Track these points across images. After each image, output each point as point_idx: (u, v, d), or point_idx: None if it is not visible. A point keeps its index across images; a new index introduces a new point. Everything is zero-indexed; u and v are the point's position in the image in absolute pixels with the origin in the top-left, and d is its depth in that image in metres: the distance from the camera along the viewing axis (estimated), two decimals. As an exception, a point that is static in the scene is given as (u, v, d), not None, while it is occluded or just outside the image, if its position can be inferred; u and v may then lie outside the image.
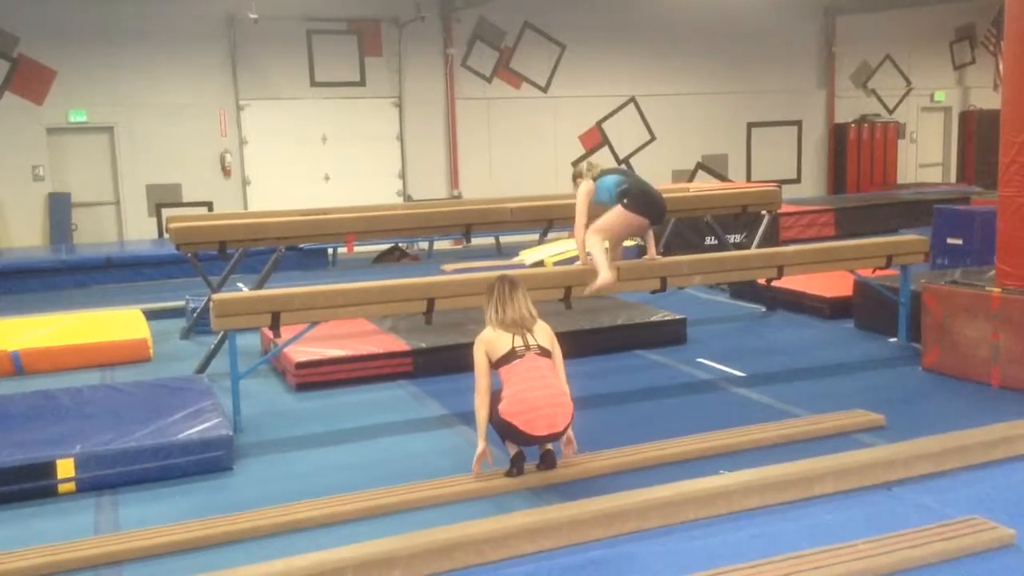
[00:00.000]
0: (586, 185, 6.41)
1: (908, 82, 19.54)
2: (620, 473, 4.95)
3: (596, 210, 6.47)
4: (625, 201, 6.33)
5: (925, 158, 20.17)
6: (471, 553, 3.97)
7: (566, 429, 4.80)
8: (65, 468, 4.90)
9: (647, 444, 5.30)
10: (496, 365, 4.79)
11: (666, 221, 9.92)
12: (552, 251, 10.98)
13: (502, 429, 4.77)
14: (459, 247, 14.62)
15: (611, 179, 6.39)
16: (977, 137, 19.20)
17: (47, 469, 4.89)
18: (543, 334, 4.90)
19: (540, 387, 4.73)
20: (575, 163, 6.81)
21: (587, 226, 6.41)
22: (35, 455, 4.93)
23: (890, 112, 19.43)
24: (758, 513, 4.41)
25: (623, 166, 6.67)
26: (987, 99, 19.64)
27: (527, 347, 4.78)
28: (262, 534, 4.34)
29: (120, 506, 4.79)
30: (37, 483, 4.87)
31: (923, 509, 4.37)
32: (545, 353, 4.84)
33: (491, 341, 4.81)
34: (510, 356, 4.75)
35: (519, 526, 4.10)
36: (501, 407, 4.70)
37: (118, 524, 4.56)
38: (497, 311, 4.86)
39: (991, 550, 3.93)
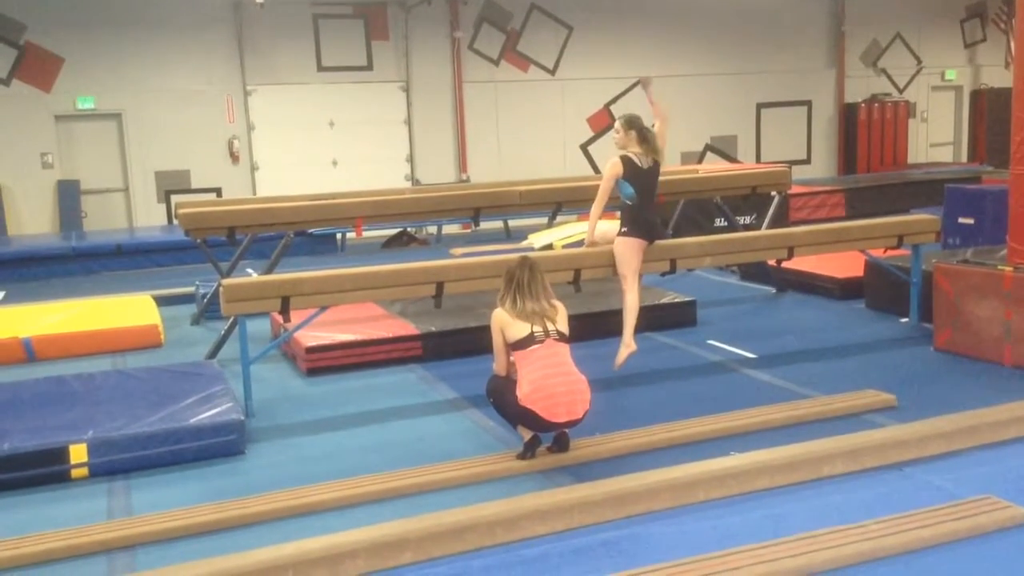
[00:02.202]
0: (614, 168, 6.24)
1: (918, 61, 19.38)
2: (631, 455, 4.95)
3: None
4: (624, 230, 6.32)
5: (936, 137, 20.03)
6: (482, 535, 3.98)
7: (584, 416, 4.80)
8: (78, 453, 4.93)
9: (658, 426, 5.30)
10: (512, 347, 4.79)
11: (675, 203, 9.92)
12: (561, 234, 10.96)
13: (520, 416, 4.77)
14: (468, 231, 14.61)
15: (628, 188, 6.25)
16: (988, 116, 19.06)
17: (60, 454, 4.92)
18: (563, 319, 4.88)
19: (560, 374, 4.72)
20: (625, 118, 6.52)
21: (603, 205, 6.38)
22: (48, 441, 4.95)
23: (900, 91, 19.30)
24: (769, 494, 4.41)
25: (653, 159, 6.46)
26: (998, 77, 19.48)
27: (546, 333, 4.77)
28: (274, 517, 4.36)
29: (133, 491, 4.82)
30: (50, 468, 4.90)
31: (935, 489, 4.36)
32: (563, 339, 4.82)
33: (508, 323, 4.80)
34: (528, 341, 4.74)
35: (530, 508, 4.10)
36: (520, 394, 4.70)
37: (131, 508, 4.59)
38: (516, 303, 4.82)
39: (1004, 529, 3.93)
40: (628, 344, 6.15)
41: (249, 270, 9.56)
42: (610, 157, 6.34)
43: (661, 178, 6.57)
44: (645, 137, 6.29)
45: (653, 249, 6.51)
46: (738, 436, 5.16)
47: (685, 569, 3.62)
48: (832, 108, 18.73)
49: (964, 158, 19.78)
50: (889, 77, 19.24)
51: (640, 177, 6.23)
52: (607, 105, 16.80)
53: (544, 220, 11.24)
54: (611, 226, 6.52)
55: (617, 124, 6.40)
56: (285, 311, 5.97)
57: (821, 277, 8.92)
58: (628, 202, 6.29)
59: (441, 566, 3.83)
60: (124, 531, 4.20)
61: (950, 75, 19.82)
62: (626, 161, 6.22)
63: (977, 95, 19.76)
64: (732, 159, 17.61)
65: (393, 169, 15.41)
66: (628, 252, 6.29)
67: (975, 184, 11.71)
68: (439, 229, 14.20)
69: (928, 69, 19.51)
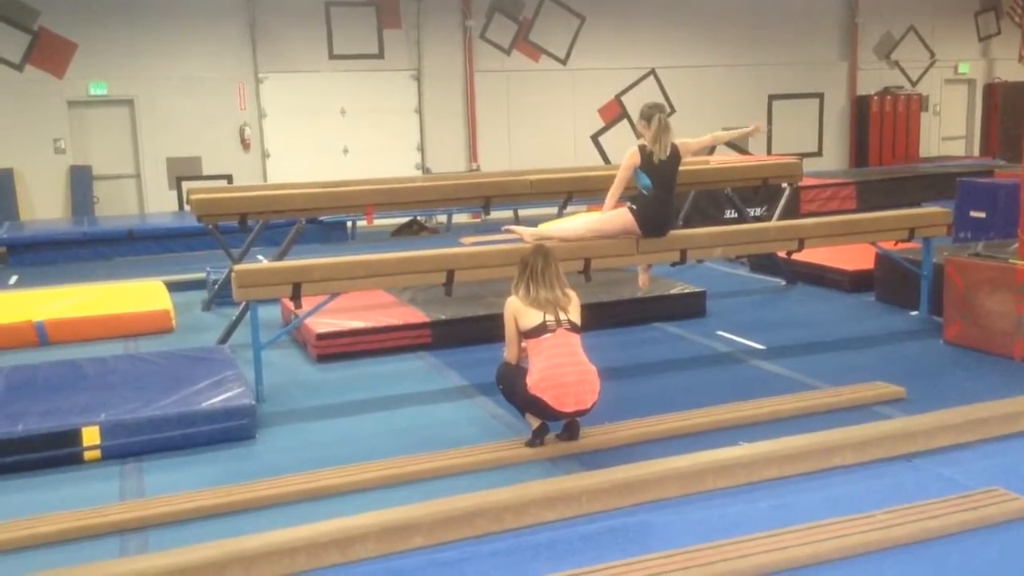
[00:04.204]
0: (631, 158, 6.19)
1: (932, 54, 19.29)
2: (640, 443, 4.97)
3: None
4: (633, 207, 6.33)
5: (948, 131, 19.95)
6: (491, 520, 4.00)
7: (593, 406, 4.82)
8: (91, 436, 4.97)
9: (666, 415, 5.31)
10: (524, 336, 4.80)
11: (685, 194, 9.92)
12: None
13: (529, 404, 4.79)
14: (477, 220, 14.62)
15: (644, 179, 6.22)
16: (1001, 110, 18.91)
17: (73, 437, 4.96)
18: (575, 309, 4.89)
19: (570, 363, 4.73)
20: (642, 108, 6.41)
21: (619, 195, 6.40)
22: (61, 423, 4.99)
23: (913, 84, 19.21)
24: (777, 484, 4.42)
25: (671, 146, 6.36)
26: (1012, 71, 19.35)
27: (558, 322, 4.78)
28: (285, 501, 4.39)
29: (145, 473, 4.85)
30: (63, 450, 4.94)
31: (943, 480, 4.37)
32: (575, 328, 4.83)
33: (521, 311, 4.81)
34: (540, 330, 4.75)
35: (539, 494, 4.13)
36: (530, 382, 4.71)
37: (143, 491, 4.63)
38: (529, 290, 4.82)
39: (1011, 521, 3.94)
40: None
41: (260, 256, 9.58)
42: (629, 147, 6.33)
43: None
44: (656, 125, 6.18)
45: (664, 240, 6.52)
46: (747, 426, 5.17)
47: (693, 556, 3.63)
48: (844, 100, 18.66)
49: (976, 152, 19.69)
50: (902, 70, 19.15)
51: (656, 168, 6.19)
52: (618, 96, 16.77)
53: (554, 210, 11.25)
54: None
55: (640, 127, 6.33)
56: (296, 297, 5.99)
57: (831, 269, 8.91)
58: (644, 192, 6.28)
59: (451, 550, 3.86)
60: (137, 513, 4.24)
61: (963, 68, 19.72)
62: (643, 150, 6.19)
63: (990, 89, 19.65)
64: (743, 151, 17.56)
65: (404, 158, 15.43)
66: (616, 224, 6.31)
67: (987, 178, 11.66)
68: (449, 218, 14.21)
69: (941, 62, 19.42)
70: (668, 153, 6.23)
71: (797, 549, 3.68)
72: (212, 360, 6.08)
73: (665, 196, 6.35)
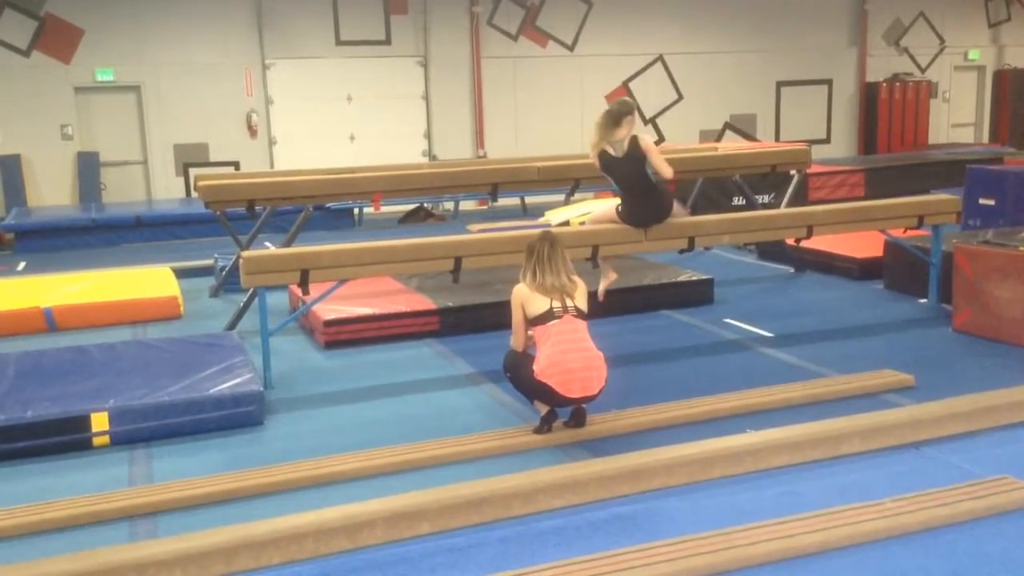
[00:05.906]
0: (594, 165, 6.31)
1: (941, 40, 19.15)
2: (648, 431, 4.97)
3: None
4: (619, 208, 6.43)
5: (958, 118, 19.83)
6: (499, 507, 4.01)
7: (599, 392, 4.81)
8: (99, 422, 4.98)
9: (674, 403, 5.30)
10: (531, 323, 4.80)
11: (694, 181, 9.89)
12: (578, 211, 10.93)
13: (536, 390, 4.79)
14: (484, 208, 14.61)
15: (612, 182, 6.40)
16: (1011, 96, 18.84)
17: (82, 422, 4.97)
18: (582, 295, 4.89)
19: (576, 350, 4.73)
20: (615, 109, 6.27)
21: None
22: (70, 409, 5.01)
23: (922, 71, 19.09)
24: (785, 471, 4.42)
25: (628, 143, 6.27)
26: (1022, 57, 19.23)
27: (565, 308, 4.77)
28: (293, 487, 4.40)
29: (153, 459, 4.87)
30: (72, 436, 4.95)
31: (952, 468, 4.36)
32: (582, 315, 4.82)
33: (528, 298, 4.80)
34: (547, 316, 4.74)
35: (547, 481, 4.13)
36: (537, 369, 4.71)
37: (151, 476, 4.64)
38: (535, 276, 4.81)
39: (1021, 509, 3.93)
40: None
41: (267, 243, 9.58)
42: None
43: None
44: (608, 122, 6.16)
45: (672, 227, 6.50)
46: (755, 414, 5.17)
47: (701, 543, 3.63)
48: (853, 87, 18.55)
49: (986, 139, 19.58)
50: (911, 56, 19.03)
51: (613, 168, 6.24)
52: (626, 82, 16.70)
53: (561, 197, 11.23)
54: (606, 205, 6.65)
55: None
56: (304, 284, 5.99)
57: (840, 257, 8.88)
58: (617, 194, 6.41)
59: (458, 537, 3.87)
60: (146, 498, 4.25)
61: (973, 55, 19.59)
62: (600, 155, 6.23)
63: (1000, 75, 19.52)
64: (751, 137, 17.50)
65: (410, 144, 15.39)
66: (602, 219, 6.53)
67: (997, 165, 11.59)
68: (456, 205, 14.20)
69: (951, 49, 19.28)
70: (624, 151, 6.15)
71: (806, 537, 3.67)
72: (220, 346, 6.08)
73: (637, 196, 6.32)
